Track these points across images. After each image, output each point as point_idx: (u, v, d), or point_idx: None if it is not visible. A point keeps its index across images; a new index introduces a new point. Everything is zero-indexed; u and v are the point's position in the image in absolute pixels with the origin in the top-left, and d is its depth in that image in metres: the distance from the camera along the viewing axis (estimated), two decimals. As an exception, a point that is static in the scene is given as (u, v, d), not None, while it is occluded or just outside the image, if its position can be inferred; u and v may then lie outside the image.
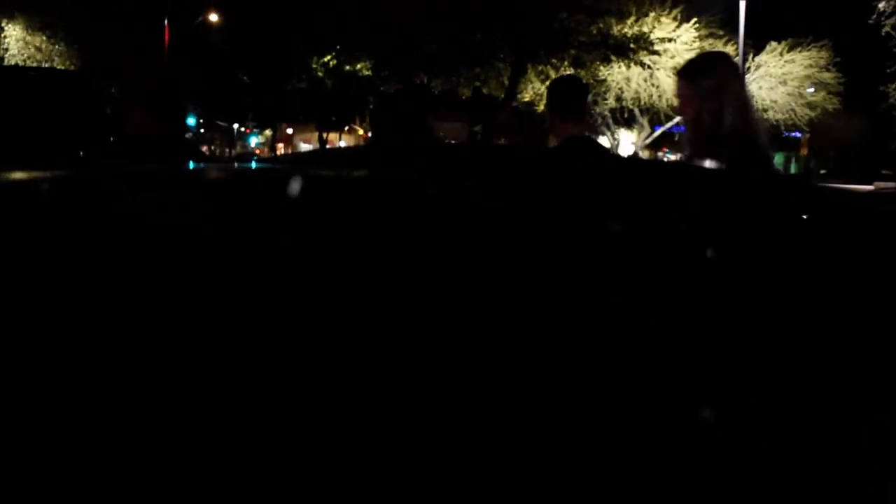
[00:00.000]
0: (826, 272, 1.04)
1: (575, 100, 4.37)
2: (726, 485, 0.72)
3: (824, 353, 0.88)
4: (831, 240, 1.15)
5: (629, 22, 25.18)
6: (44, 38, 24.67)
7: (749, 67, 25.97)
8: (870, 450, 0.81)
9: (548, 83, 25.41)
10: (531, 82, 26.17)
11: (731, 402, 0.80)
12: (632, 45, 25.02)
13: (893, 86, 24.83)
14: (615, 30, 24.90)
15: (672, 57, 25.46)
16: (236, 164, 3.29)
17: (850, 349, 0.90)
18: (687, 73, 3.41)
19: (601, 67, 25.99)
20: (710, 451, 0.75)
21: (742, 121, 3.20)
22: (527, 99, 27.09)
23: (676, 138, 31.77)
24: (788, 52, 27.79)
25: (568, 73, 24.56)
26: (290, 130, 48.13)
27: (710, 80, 3.25)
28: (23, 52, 24.52)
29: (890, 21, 23.04)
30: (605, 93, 27.57)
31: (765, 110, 28.15)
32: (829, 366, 0.87)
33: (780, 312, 0.95)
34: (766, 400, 0.81)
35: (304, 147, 43.88)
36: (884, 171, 32.80)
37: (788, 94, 28.07)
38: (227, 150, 46.49)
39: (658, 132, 29.79)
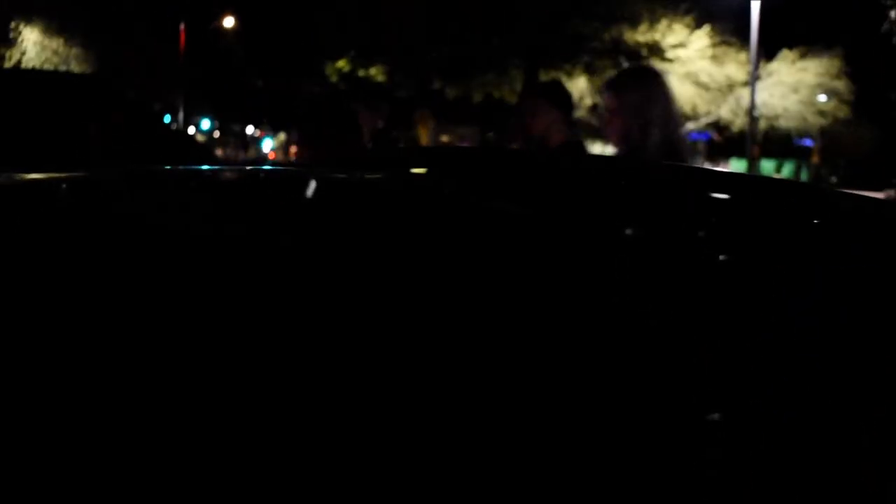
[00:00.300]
0: (826, 273, 1.04)
1: (571, 104, 4.41)
2: (727, 484, 0.72)
3: (826, 354, 0.89)
4: (832, 241, 1.16)
5: (642, 29, 25.20)
6: (61, 41, 24.76)
7: (760, 75, 25.95)
8: (870, 450, 0.80)
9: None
10: (543, 88, 26.14)
11: (733, 402, 0.80)
12: (643, 52, 25.05)
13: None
14: (627, 36, 24.93)
15: (684, 64, 25.51)
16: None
17: (853, 351, 0.91)
18: (614, 87, 3.40)
19: (614, 74, 25.98)
20: (711, 450, 0.75)
21: (667, 135, 3.18)
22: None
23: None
24: (800, 59, 27.71)
25: (581, 79, 24.65)
26: (303, 134, 47.73)
27: (637, 94, 3.24)
28: (40, 55, 24.60)
29: (902, 30, 23.01)
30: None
31: (776, 118, 28.12)
32: (829, 367, 0.87)
33: (780, 312, 0.95)
34: (766, 400, 0.81)
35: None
36: (895, 180, 32.58)
37: (800, 102, 27.98)
38: (241, 153, 46.42)
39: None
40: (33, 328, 0.80)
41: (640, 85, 3.32)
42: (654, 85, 3.34)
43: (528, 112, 4.43)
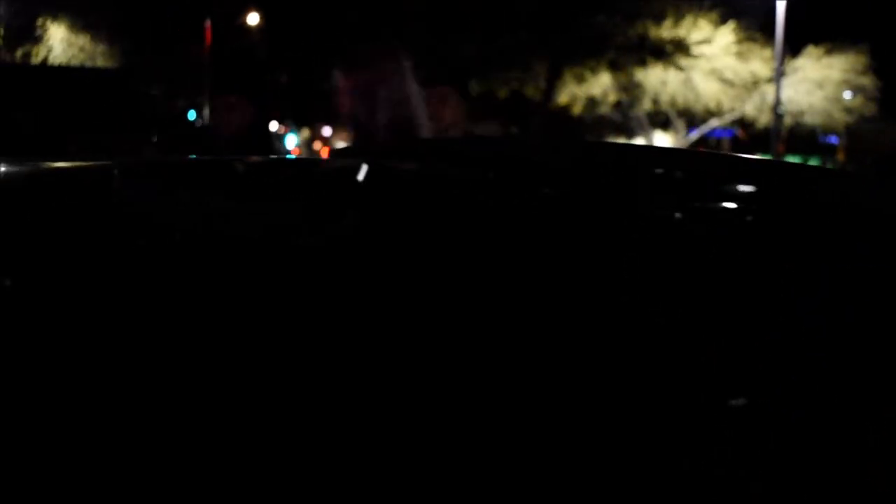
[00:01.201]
0: (832, 271, 1.02)
1: None
2: (734, 483, 0.72)
3: (833, 352, 0.87)
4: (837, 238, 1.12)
5: (667, 25, 25.14)
6: (87, 38, 24.89)
7: (785, 71, 25.80)
8: (877, 450, 0.80)
9: (584, 86, 25.31)
10: (566, 85, 26.17)
11: (741, 400, 0.80)
12: (668, 49, 25.02)
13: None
14: (652, 32, 24.90)
15: (709, 60, 25.43)
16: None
17: (859, 350, 0.89)
18: (343, 66, 3.25)
19: (638, 70, 25.98)
20: (718, 449, 0.74)
21: (400, 117, 3.03)
22: (564, 102, 27.03)
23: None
24: (826, 56, 27.52)
25: (605, 75, 24.61)
26: (326, 130, 48.13)
27: (365, 73, 3.11)
28: (66, 51, 24.73)
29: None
30: (641, 95, 27.49)
31: (801, 114, 27.94)
32: (836, 366, 0.86)
33: (787, 311, 0.94)
34: (774, 399, 0.81)
35: (341, 146, 43.81)
36: (921, 177, 32.17)
37: (825, 99, 27.77)
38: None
39: (693, 135, 29.60)
40: (57, 319, 0.80)
41: (369, 65, 3.18)
42: (386, 63, 3.19)
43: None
